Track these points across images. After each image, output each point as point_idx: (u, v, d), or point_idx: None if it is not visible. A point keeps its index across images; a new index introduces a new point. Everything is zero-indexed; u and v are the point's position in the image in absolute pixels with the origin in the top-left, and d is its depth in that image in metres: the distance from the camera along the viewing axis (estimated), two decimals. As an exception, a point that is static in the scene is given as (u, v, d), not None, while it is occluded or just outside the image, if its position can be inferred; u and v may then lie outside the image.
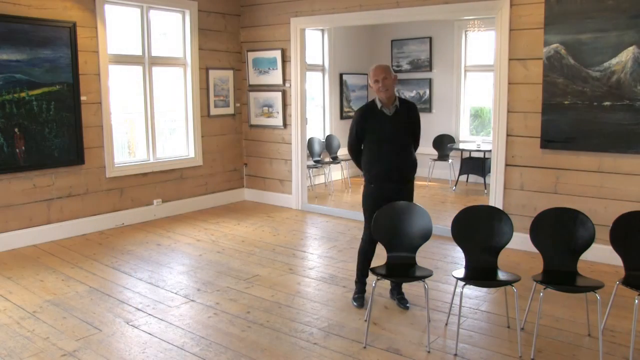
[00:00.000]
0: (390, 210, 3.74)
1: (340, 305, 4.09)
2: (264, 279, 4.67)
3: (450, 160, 8.79)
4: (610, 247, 3.46)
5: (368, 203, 3.93)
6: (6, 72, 5.24)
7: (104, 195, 6.21)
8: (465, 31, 8.95)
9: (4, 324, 3.74)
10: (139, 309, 4.03)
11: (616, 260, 3.89)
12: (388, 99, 3.85)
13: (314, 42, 8.91)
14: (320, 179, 8.98)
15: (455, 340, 3.43)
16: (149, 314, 3.94)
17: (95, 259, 5.19)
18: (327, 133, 9.21)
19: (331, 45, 9.13)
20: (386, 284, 4.21)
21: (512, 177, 5.45)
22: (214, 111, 7.29)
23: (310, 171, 8.21)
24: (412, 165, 3.95)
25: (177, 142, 7.12)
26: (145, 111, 6.60)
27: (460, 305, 3.50)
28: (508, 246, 3.63)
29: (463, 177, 8.84)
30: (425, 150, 7.64)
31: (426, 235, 3.67)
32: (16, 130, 5.38)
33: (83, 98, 5.86)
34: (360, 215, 6.61)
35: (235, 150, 7.68)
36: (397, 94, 3.97)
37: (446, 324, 3.75)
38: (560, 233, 3.47)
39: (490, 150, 6.20)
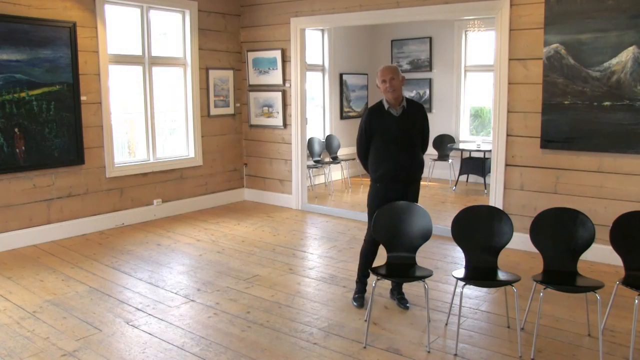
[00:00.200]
0: (390, 210, 3.74)
1: (340, 305, 4.09)
2: (264, 279, 4.67)
3: (450, 160, 8.80)
4: (610, 247, 3.46)
5: (374, 203, 3.92)
6: (6, 72, 5.24)
7: (104, 195, 6.21)
8: (465, 31, 8.96)
9: (4, 324, 3.74)
10: (139, 309, 4.03)
11: (616, 260, 3.90)
12: (395, 100, 3.86)
13: (314, 42, 8.91)
14: (320, 179, 8.98)
15: (455, 340, 3.43)
16: (149, 314, 3.94)
17: (95, 259, 5.19)
18: (327, 133, 9.21)
19: (331, 45, 9.13)
20: (386, 284, 4.21)
21: (512, 177, 5.45)
22: (214, 111, 7.29)
23: (310, 171, 8.21)
24: (419, 165, 3.95)
25: (177, 142, 7.12)
26: (145, 111, 6.60)
27: (460, 305, 3.50)
28: (508, 246, 3.63)
29: (463, 177, 8.85)
30: (425, 150, 7.63)
31: (426, 235, 3.67)
32: (16, 130, 5.38)
33: (83, 98, 5.86)
34: (360, 216, 6.68)
35: (235, 150, 7.68)
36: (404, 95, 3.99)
37: (446, 324, 3.75)
38: (560, 233, 3.47)
39: (490, 150, 6.21)
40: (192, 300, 4.19)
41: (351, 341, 3.50)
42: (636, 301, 3.13)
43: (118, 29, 6.29)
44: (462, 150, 8.57)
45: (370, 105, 9.44)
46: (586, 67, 4.87)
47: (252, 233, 6.12)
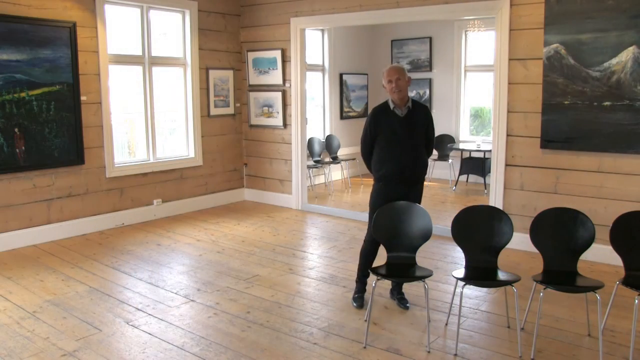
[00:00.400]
0: (390, 210, 3.75)
1: (340, 305, 4.09)
2: (264, 279, 4.67)
3: (450, 160, 8.80)
4: (610, 247, 3.46)
5: (376, 202, 3.91)
6: (6, 72, 5.24)
7: (104, 195, 6.21)
8: (465, 31, 8.95)
9: (4, 324, 3.74)
10: (139, 309, 4.03)
11: (616, 260, 3.90)
12: (401, 100, 3.86)
13: (314, 42, 8.91)
14: (320, 179, 8.98)
15: (455, 340, 3.43)
16: (149, 314, 3.94)
17: (95, 259, 5.19)
18: (327, 133, 9.21)
19: (331, 45, 9.13)
20: (386, 284, 4.21)
21: (512, 177, 5.45)
22: (214, 111, 7.29)
23: (310, 171, 8.21)
24: (422, 166, 3.95)
25: (177, 142, 7.12)
26: (145, 111, 6.60)
27: (460, 305, 3.50)
28: (508, 246, 3.63)
29: (463, 177, 8.85)
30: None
31: (426, 235, 3.67)
32: (16, 130, 5.38)
33: (83, 98, 5.86)
34: (360, 215, 6.68)
35: (235, 150, 7.68)
36: (410, 96, 3.98)
37: (446, 324, 3.75)
38: (560, 233, 3.47)
39: (490, 150, 6.20)
40: (192, 300, 4.20)
41: (351, 341, 3.50)
42: (636, 301, 3.14)
43: (118, 29, 6.28)
44: (462, 150, 8.57)
45: (370, 105, 9.52)
46: (586, 67, 4.87)
47: (252, 233, 6.12)
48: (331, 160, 8.82)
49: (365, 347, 3.42)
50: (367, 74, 9.77)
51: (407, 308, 4.00)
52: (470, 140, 9.09)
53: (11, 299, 4.20)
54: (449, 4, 5.64)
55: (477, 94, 9.28)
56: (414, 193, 3.92)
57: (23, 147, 5.45)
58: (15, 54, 5.29)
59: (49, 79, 5.56)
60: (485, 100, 9.10)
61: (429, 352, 3.36)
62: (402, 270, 3.64)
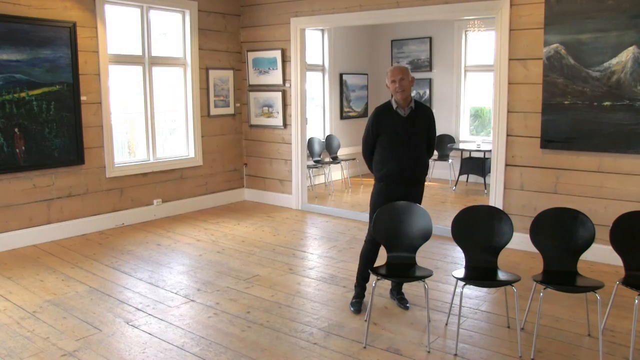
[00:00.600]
0: (390, 210, 3.74)
1: (340, 305, 4.09)
2: (264, 279, 4.67)
3: (450, 160, 8.80)
4: (610, 247, 3.46)
5: (377, 202, 3.91)
6: (6, 72, 5.24)
7: (104, 195, 6.21)
8: (465, 31, 8.95)
9: (4, 324, 3.74)
10: (139, 309, 4.03)
11: (616, 260, 3.90)
12: (404, 100, 3.86)
13: (314, 42, 8.91)
14: (320, 179, 8.98)
15: (455, 340, 3.43)
16: (149, 314, 3.94)
17: (95, 259, 5.19)
18: (327, 133, 9.20)
19: (331, 45, 9.13)
20: (386, 284, 4.21)
21: (512, 177, 5.45)
22: (214, 111, 7.29)
23: (310, 171, 8.21)
24: (423, 166, 3.94)
25: (177, 142, 7.12)
26: (145, 111, 6.60)
27: (460, 305, 3.50)
28: (508, 246, 3.63)
29: (463, 177, 8.85)
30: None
31: (426, 235, 3.67)
32: (16, 130, 5.38)
33: (83, 98, 5.86)
34: (360, 216, 6.68)
35: (235, 150, 7.68)
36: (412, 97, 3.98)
37: (446, 324, 3.75)
38: (560, 233, 3.47)
39: (490, 150, 6.21)
40: (192, 300, 4.20)
41: (351, 341, 3.51)
42: (636, 301, 3.14)
43: (118, 29, 6.29)
44: (462, 150, 8.57)
45: (370, 105, 9.52)
46: (586, 67, 4.87)
47: (252, 233, 6.12)
48: (331, 160, 8.82)
49: (365, 347, 3.42)
50: (367, 74, 9.76)
51: (407, 308, 4.00)
52: (470, 140, 9.09)
53: (11, 299, 4.21)
54: (449, 4, 5.64)
55: (477, 94, 9.28)
56: (415, 193, 3.92)
57: (23, 147, 5.45)
58: (15, 54, 5.29)
59: (49, 79, 5.56)
60: (485, 100, 9.10)
61: (429, 352, 3.36)
62: (402, 270, 3.64)
